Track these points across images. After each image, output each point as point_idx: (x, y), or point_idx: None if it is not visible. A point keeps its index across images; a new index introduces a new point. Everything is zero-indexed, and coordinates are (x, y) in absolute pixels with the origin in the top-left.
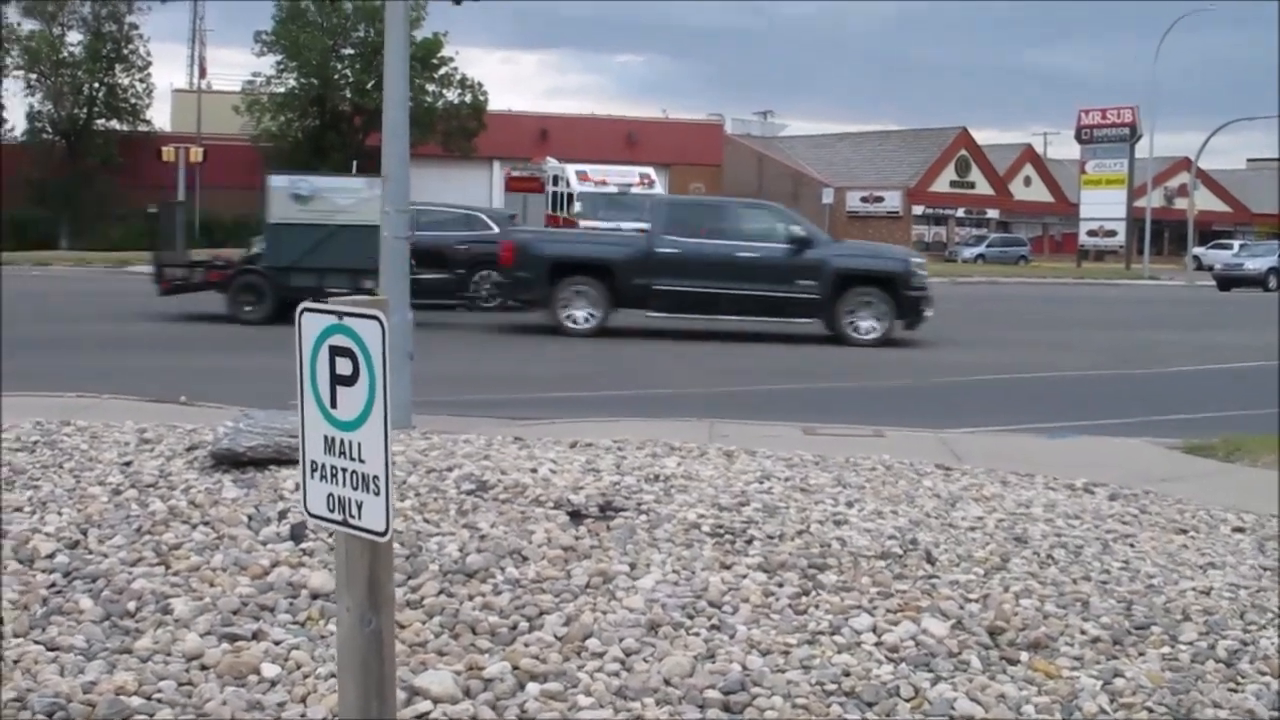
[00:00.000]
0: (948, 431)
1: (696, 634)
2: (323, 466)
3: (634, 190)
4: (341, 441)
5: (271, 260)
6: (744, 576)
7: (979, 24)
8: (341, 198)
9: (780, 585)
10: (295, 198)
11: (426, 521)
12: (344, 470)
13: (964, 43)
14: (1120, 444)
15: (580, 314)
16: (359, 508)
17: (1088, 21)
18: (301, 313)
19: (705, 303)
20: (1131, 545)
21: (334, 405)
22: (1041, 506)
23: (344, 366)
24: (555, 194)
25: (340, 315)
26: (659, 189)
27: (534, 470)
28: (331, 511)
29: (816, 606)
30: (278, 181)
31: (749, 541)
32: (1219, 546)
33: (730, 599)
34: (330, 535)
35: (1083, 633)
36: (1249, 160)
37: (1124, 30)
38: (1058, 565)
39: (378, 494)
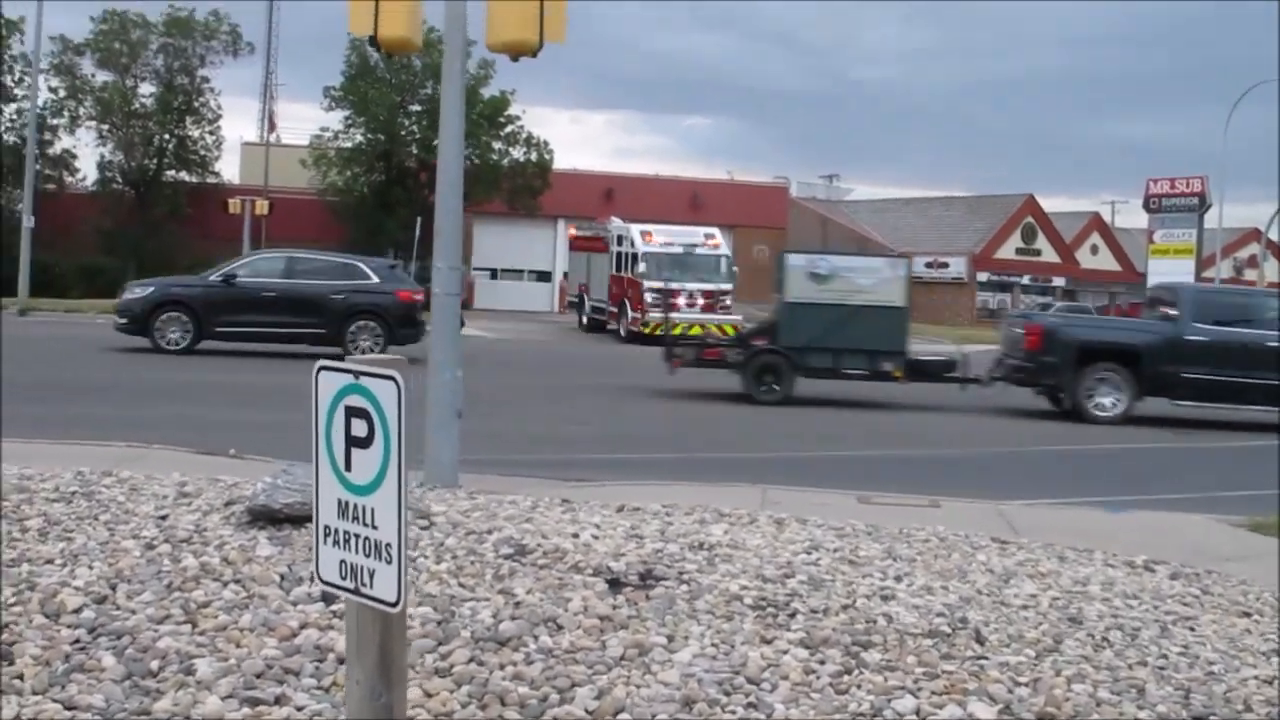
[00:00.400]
0: (1006, 503)
1: (732, 712)
2: (335, 531)
3: (699, 251)
4: (355, 506)
5: (789, 340)
6: (785, 652)
7: (1047, 93)
8: (862, 278)
9: (822, 663)
10: (813, 277)
11: (461, 586)
12: (356, 536)
13: (1032, 111)
14: (1183, 520)
15: (1106, 400)
16: (371, 576)
17: (1158, 92)
18: (318, 371)
19: (1234, 392)
20: (1192, 628)
21: (348, 468)
22: (1099, 584)
23: (359, 428)
24: (619, 254)
25: (357, 375)
26: (724, 250)
27: (575, 535)
28: (343, 579)
29: (859, 686)
30: (795, 260)
31: (792, 615)
32: None
33: (769, 676)
34: None
35: None
36: None
37: (1194, 101)
38: (1113, 648)
39: (390, 562)
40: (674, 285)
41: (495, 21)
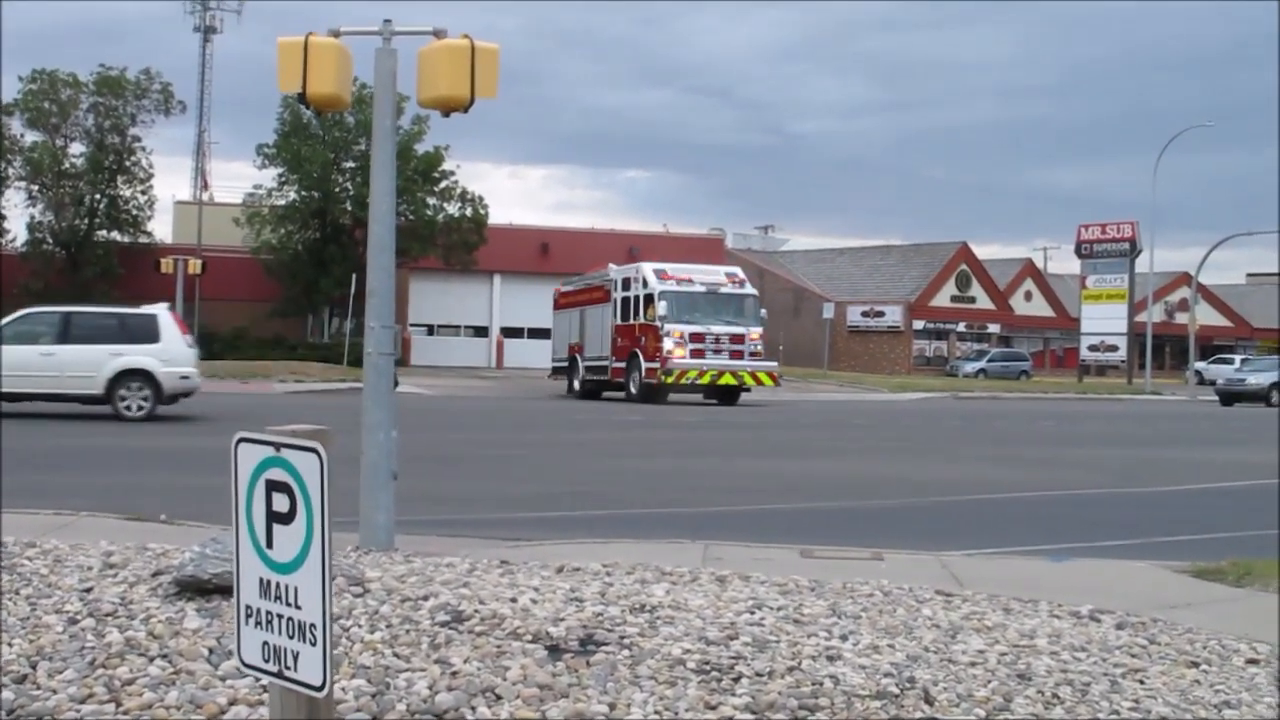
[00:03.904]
0: (948, 554)
1: None
2: (257, 611)
3: (724, 290)
4: (277, 585)
5: None
6: (730, 718)
7: (981, 143)
8: None
9: None
10: None
11: (396, 656)
12: (280, 617)
13: (966, 161)
14: (1126, 567)
15: None
16: (295, 658)
17: (1088, 140)
18: (237, 442)
19: None
20: (1141, 681)
21: (270, 545)
22: (1046, 637)
23: (281, 503)
24: (626, 299)
25: (278, 447)
26: (750, 289)
27: (514, 600)
28: (266, 661)
29: None
30: None
31: (736, 679)
32: (1233, 682)
33: None
34: None
35: None
36: (1249, 275)
37: (1124, 148)
38: (1063, 705)
39: (315, 644)
40: (697, 328)
41: (426, 77)
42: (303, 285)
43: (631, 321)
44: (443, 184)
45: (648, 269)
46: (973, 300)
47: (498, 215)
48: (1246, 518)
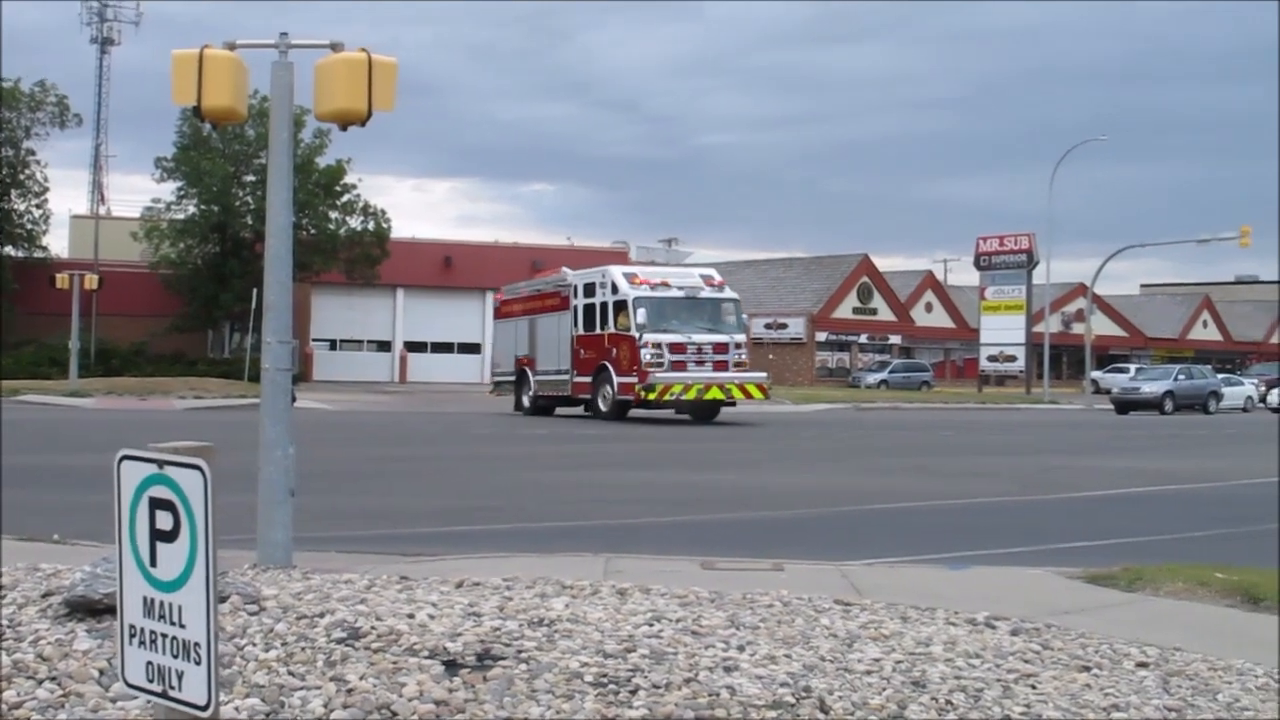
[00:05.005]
0: (849, 564)
1: None
2: (141, 631)
3: (703, 294)
4: (161, 604)
5: None
6: None
7: (883, 156)
8: None
9: None
10: None
11: (291, 674)
12: (164, 636)
13: (868, 174)
14: (1022, 574)
15: None
16: (179, 678)
17: (988, 153)
18: (120, 460)
19: None
20: (1033, 686)
21: (154, 563)
22: (941, 645)
23: (164, 521)
24: (590, 306)
25: (161, 464)
26: (730, 292)
27: (411, 616)
28: (150, 681)
29: None
30: None
31: (634, 692)
32: (1123, 685)
33: None
34: None
35: None
36: (1143, 286)
37: (1022, 161)
38: (957, 711)
39: (199, 663)
40: (677, 338)
41: (323, 90)
42: (203, 300)
43: (599, 331)
44: (345, 198)
45: (616, 273)
46: (874, 312)
47: (401, 229)
48: (1139, 523)
